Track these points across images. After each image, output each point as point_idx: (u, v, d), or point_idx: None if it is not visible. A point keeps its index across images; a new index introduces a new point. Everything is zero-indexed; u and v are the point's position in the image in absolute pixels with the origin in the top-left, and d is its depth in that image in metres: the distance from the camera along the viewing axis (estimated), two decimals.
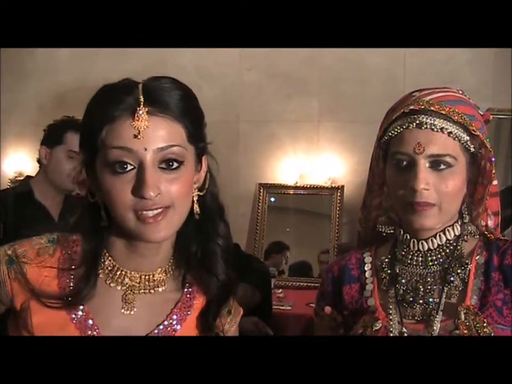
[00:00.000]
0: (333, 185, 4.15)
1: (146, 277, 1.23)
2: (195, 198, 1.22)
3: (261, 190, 4.22)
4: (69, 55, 4.25)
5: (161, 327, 1.22)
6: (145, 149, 1.11)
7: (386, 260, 1.46)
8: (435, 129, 1.34)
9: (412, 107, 1.36)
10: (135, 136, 1.11)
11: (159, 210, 1.13)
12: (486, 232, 1.45)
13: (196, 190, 1.23)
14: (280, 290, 3.88)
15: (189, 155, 1.17)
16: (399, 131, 1.37)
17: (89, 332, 1.17)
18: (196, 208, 1.22)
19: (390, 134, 1.39)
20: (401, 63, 4.05)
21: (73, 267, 1.20)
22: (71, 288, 1.18)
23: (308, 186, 4.19)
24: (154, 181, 1.11)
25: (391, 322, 1.38)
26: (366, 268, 1.50)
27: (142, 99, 1.12)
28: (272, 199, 4.23)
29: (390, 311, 1.40)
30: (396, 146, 1.38)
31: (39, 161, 2.91)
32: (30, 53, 4.27)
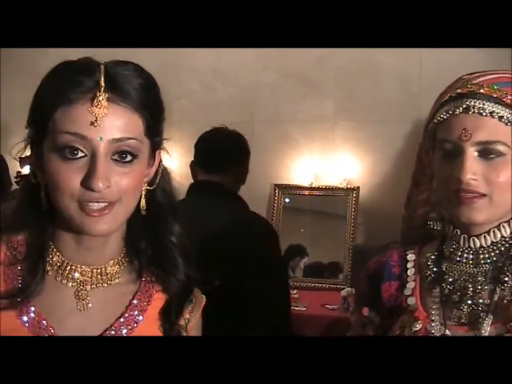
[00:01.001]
0: (349, 186, 4.13)
1: (98, 271, 1.17)
2: (143, 193, 1.16)
3: (276, 191, 4.20)
4: (83, 55, 4.26)
5: (121, 319, 1.17)
6: (101, 138, 1.05)
7: (433, 257, 1.35)
8: (484, 114, 1.22)
9: (459, 90, 1.27)
10: (92, 123, 1.04)
11: (105, 204, 1.07)
12: None
13: (145, 184, 1.17)
14: (295, 291, 3.87)
15: (144, 149, 1.11)
16: (445, 117, 1.27)
17: (44, 333, 1.11)
18: (143, 202, 1.16)
19: (436, 120, 1.29)
20: (416, 63, 4.02)
21: (19, 266, 1.14)
22: (18, 285, 1.12)
23: (323, 187, 4.17)
24: (105, 172, 1.05)
25: (433, 324, 1.27)
26: (408, 266, 1.39)
27: (103, 84, 1.06)
28: (287, 200, 4.22)
29: (433, 312, 1.29)
30: (441, 133, 1.28)
31: None
32: (44, 53, 4.29)
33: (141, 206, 1.16)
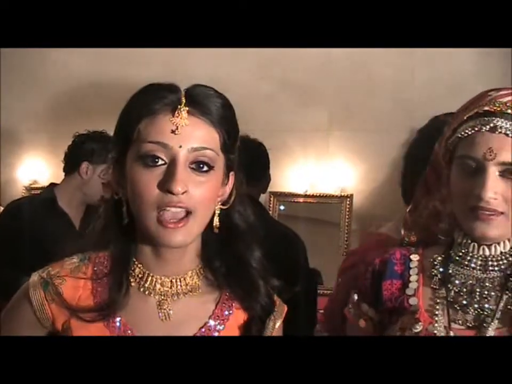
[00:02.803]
0: (343, 194, 4.19)
1: (178, 281, 1.23)
2: (217, 212, 1.23)
3: (271, 198, 4.26)
4: (81, 62, 4.35)
5: (203, 329, 1.23)
6: (180, 146, 1.14)
7: (439, 258, 1.36)
8: (510, 135, 1.24)
9: (486, 108, 1.28)
10: (173, 132, 1.14)
11: (181, 212, 1.14)
12: None
13: (219, 204, 1.24)
14: None
15: (219, 162, 1.20)
16: (469, 133, 1.27)
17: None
18: (216, 221, 1.23)
19: (460, 135, 1.30)
20: (409, 73, 4.07)
21: (105, 279, 1.22)
22: (106, 299, 1.20)
23: (318, 195, 4.24)
24: (183, 178, 1.13)
25: (436, 325, 1.28)
26: (411, 265, 1.39)
27: (183, 99, 1.17)
28: (282, 207, 4.27)
29: (437, 313, 1.30)
30: (464, 149, 1.29)
31: (65, 170, 2.97)
32: (41, 60, 4.36)
33: (214, 224, 1.23)
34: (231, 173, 1.27)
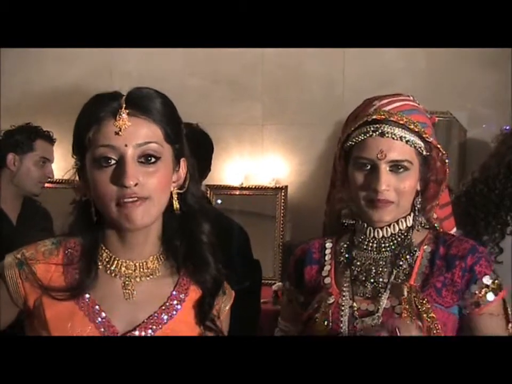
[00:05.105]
0: (277, 186, 4.29)
1: (141, 265, 1.37)
2: (174, 196, 1.37)
3: (208, 192, 4.31)
4: (15, 59, 4.29)
5: (163, 307, 1.37)
6: (126, 145, 1.27)
7: (345, 246, 1.65)
8: (395, 138, 1.53)
9: (374, 117, 1.55)
10: (116, 133, 1.27)
11: (138, 199, 1.27)
12: (436, 225, 1.65)
13: (176, 188, 1.38)
14: None
15: (166, 153, 1.33)
16: (362, 138, 1.55)
17: (97, 316, 1.32)
18: (175, 204, 1.37)
19: (354, 140, 1.57)
20: (339, 69, 4.21)
21: (75, 262, 1.35)
22: (76, 280, 1.33)
23: (253, 187, 4.33)
24: (133, 172, 1.27)
25: (343, 298, 1.57)
26: (326, 252, 1.68)
27: (123, 103, 1.29)
28: (219, 201, 4.35)
29: (344, 289, 1.59)
30: (359, 151, 1.57)
31: None
32: None
33: (174, 207, 1.38)
34: (182, 159, 1.39)
